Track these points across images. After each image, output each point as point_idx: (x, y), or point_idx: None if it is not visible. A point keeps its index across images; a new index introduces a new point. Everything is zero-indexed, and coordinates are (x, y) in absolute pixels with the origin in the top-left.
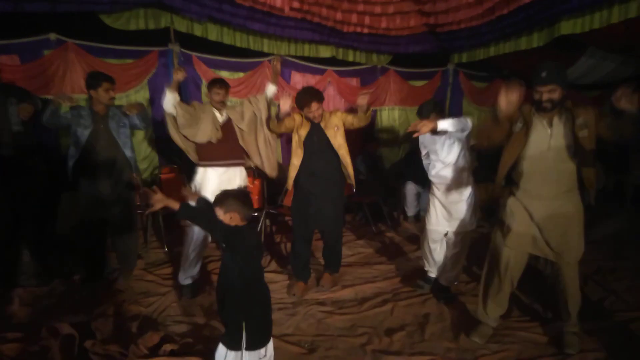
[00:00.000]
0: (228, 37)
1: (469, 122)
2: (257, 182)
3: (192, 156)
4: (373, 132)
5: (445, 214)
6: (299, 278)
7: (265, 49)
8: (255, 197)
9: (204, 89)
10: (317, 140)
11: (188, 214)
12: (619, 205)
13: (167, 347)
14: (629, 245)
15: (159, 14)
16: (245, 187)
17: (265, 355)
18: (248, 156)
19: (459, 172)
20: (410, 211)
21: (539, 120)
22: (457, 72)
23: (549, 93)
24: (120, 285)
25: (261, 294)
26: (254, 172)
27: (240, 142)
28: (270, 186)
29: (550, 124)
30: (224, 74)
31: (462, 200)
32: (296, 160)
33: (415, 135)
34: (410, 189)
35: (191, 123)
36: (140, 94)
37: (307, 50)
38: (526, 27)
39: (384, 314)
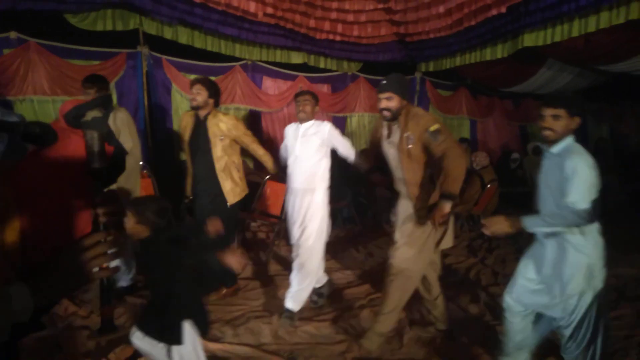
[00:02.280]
0: (199, 40)
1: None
2: None
3: None
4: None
5: (295, 218)
6: None
7: (237, 54)
8: None
9: (173, 92)
10: (200, 141)
11: None
12: None
13: None
14: None
15: (128, 15)
16: None
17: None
18: None
19: (312, 175)
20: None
21: (384, 128)
22: (424, 80)
23: (386, 101)
24: (86, 297)
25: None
26: None
27: None
28: None
29: (389, 134)
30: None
31: (311, 207)
32: (190, 163)
33: None
34: (384, 193)
35: None
36: None
37: (279, 56)
38: (491, 38)
39: (361, 320)
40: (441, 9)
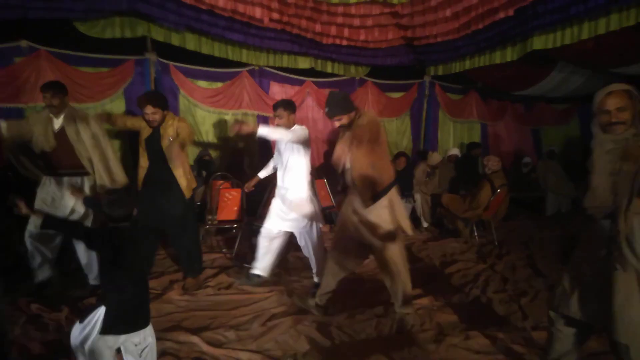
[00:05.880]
0: (206, 46)
1: (288, 135)
2: (236, 193)
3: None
4: None
5: (282, 215)
6: None
7: (244, 59)
8: (234, 209)
9: (181, 98)
10: (154, 146)
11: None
12: None
13: None
14: None
15: (136, 23)
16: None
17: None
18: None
19: (298, 176)
20: None
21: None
22: (433, 84)
23: (338, 122)
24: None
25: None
26: (233, 182)
27: (76, 151)
28: (249, 197)
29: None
30: (202, 84)
31: (299, 204)
32: (143, 162)
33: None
34: None
35: (25, 135)
36: (116, 104)
37: (286, 61)
38: (500, 41)
39: (365, 326)
40: (448, 13)
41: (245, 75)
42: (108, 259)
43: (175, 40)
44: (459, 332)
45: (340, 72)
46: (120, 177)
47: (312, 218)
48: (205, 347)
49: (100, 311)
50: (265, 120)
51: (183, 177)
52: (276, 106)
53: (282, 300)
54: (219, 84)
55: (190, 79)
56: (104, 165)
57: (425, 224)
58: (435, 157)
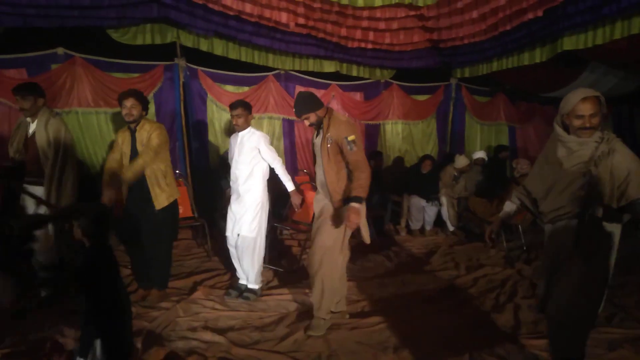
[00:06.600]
0: (234, 51)
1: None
2: None
3: None
4: (376, 146)
5: (234, 218)
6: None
7: (270, 64)
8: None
9: (209, 102)
10: (131, 151)
11: None
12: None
13: None
14: (638, 260)
15: (166, 29)
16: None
17: None
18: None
19: (250, 179)
20: (415, 225)
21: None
22: (460, 86)
23: (306, 120)
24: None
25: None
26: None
27: (41, 160)
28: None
29: (316, 134)
30: (229, 88)
31: (248, 207)
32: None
33: None
34: (415, 202)
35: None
36: None
37: (312, 65)
38: (529, 42)
39: (390, 329)
40: (475, 14)
41: (271, 80)
42: (106, 282)
43: (203, 45)
44: (486, 338)
45: (365, 76)
46: (67, 198)
47: (259, 222)
48: (231, 347)
49: (97, 346)
50: (290, 124)
51: (156, 185)
52: (235, 105)
53: (307, 301)
54: (246, 88)
55: (218, 84)
56: (58, 181)
57: (451, 228)
58: (462, 160)
